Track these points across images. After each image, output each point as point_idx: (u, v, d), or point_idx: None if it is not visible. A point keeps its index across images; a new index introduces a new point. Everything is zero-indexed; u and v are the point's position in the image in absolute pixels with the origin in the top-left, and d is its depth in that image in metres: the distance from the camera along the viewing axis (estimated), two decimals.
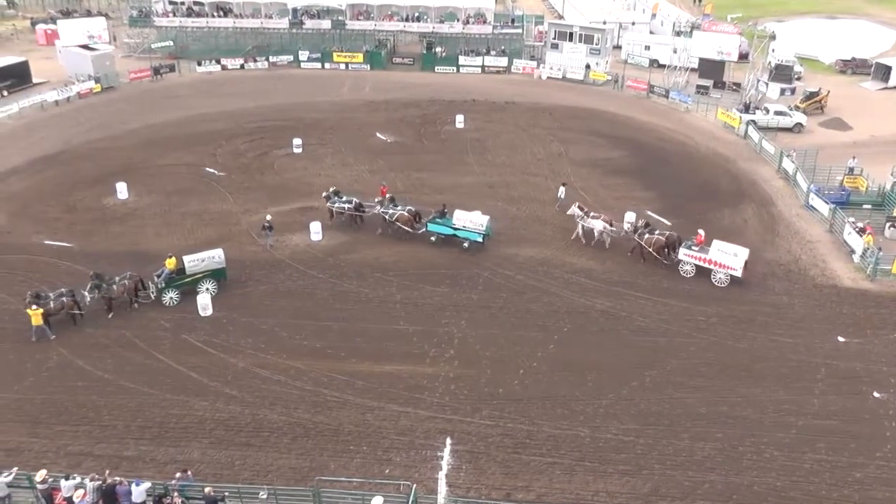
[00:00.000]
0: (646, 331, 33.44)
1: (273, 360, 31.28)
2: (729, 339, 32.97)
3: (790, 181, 48.87)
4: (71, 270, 37.48)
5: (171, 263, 35.21)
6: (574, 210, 41.21)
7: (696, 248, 38.11)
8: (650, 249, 38.86)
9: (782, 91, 66.47)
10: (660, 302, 35.51)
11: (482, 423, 27.93)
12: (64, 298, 32.86)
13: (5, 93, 64.10)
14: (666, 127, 59.71)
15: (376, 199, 42.11)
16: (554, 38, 74.62)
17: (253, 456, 26.45)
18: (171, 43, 77.80)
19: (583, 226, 40.98)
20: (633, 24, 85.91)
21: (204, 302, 34.33)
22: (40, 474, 23.39)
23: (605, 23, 79.65)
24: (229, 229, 41.79)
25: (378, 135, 56.54)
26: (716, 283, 37.30)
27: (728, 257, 37.05)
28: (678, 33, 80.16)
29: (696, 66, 69.66)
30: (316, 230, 40.71)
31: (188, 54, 76.86)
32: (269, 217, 40.57)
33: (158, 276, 34.99)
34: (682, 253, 38.25)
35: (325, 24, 77.89)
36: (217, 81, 70.80)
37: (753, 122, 57.55)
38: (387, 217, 41.20)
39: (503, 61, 75.04)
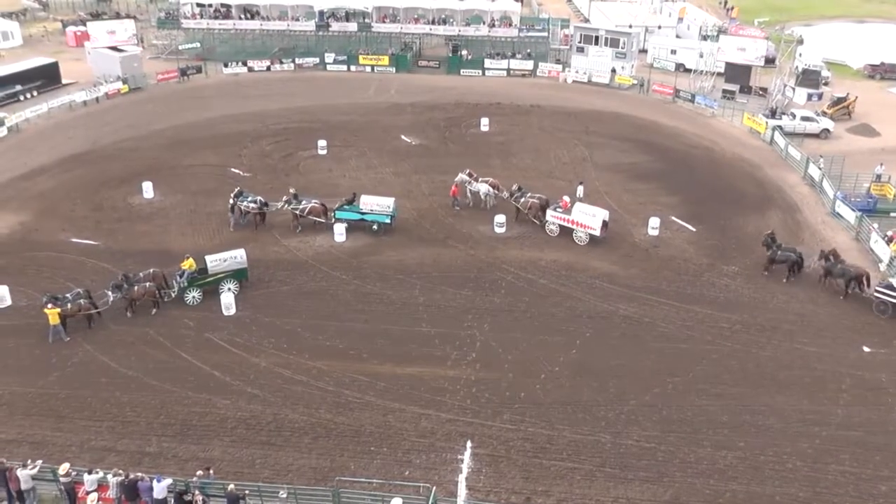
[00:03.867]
0: (669, 337, 33.25)
1: (295, 360, 31.42)
2: (753, 346, 32.69)
3: (816, 188, 48.35)
4: (97, 268, 37.89)
5: (188, 264, 35.49)
6: (462, 176, 45.06)
7: (561, 211, 41.57)
8: (525, 211, 42.56)
9: (809, 96, 65.81)
10: (683, 308, 35.28)
11: (503, 426, 27.90)
12: (81, 301, 33.08)
13: (35, 93, 64.91)
14: (691, 132, 59.33)
15: (284, 198, 42.48)
16: (579, 42, 74.38)
17: (273, 455, 26.59)
18: (198, 45, 78.42)
19: (470, 190, 44.73)
20: (660, 27, 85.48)
21: (227, 301, 34.57)
22: (63, 468, 23.70)
23: (631, 26, 79.30)
24: (253, 229, 42.02)
25: (403, 137, 56.65)
26: (576, 241, 40.80)
27: (588, 217, 40.59)
28: (705, 37, 79.68)
29: (722, 70, 69.20)
30: (339, 231, 40.87)
31: (215, 56, 77.44)
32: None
33: (181, 277, 35.30)
34: (549, 214, 41.89)
35: (352, 26, 78.22)
36: (243, 83, 71.22)
37: (780, 127, 57.05)
38: (298, 212, 41.85)
39: (528, 65, 74.92)
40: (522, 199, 42.88)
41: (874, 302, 35.39)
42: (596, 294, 36.36)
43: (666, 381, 30.31)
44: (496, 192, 44.55)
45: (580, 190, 45.15)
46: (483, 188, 44.58)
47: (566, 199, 42.47)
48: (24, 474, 23.74)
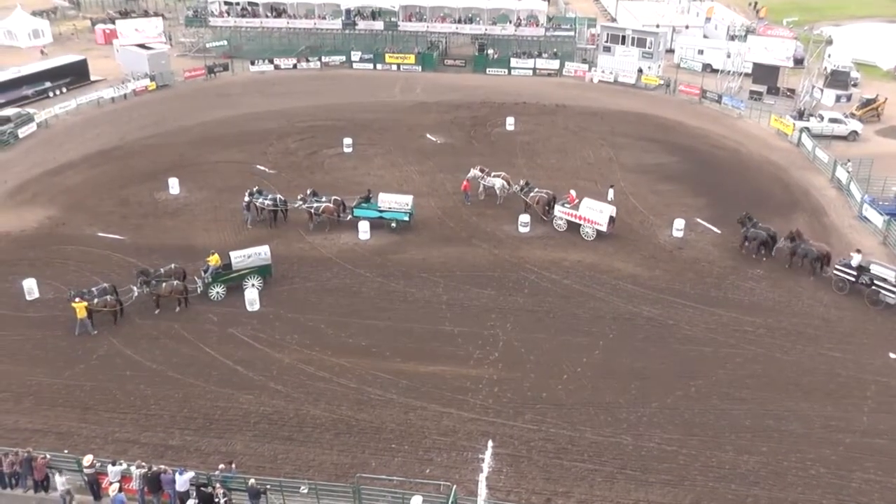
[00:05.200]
0: (692, 340, 33.05)
1: (318, 356, 31.60)
2: (777, 351, 32.41)
3: (843, 191, 47.83)
4: (122, 263, 38.35)
5: (214, 260, 35.77)
6: (475, 172, 45.68)
7: (569, 206, 41.89)
8: (534, 205, 42.97)
9: (838, 98, 65.08)
10: (707, 311, 35.05)
11: (524, 426, 27.89)
12: (107, 297, 33.44)
13: (64, 89, 65.85)
14: (718, 133, 58.88)
15: (299, 197, 42.51)
16: (606, 42, 74.06)
17: (295, 450, 26.77)
18: (226, 43, 79.07)
19: (484, 185, 45.46)
20: (687, 27, 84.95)
21: (251, 297, 34.82)
22: (87, 459, 24.03)
23: (658, 26, 78.91)
24: (278, 226, 42.28)
25: (428, 136, 56.75)
26: (583, 237, 41.14)
27: (595, 213, 40.98)
28: (732, 37, 79.06)
29: (750, 70, 68.64)
30: (364, 229, 41.01)
31: (242, 54, 77.96)
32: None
33: (205, 272, 35.58)
34: (557, 210, 42.31)
35: (378, 25, 78.41)
36: (269, 81, 71.68)
37: (807, 129, 56.44)
38: (312, 210, 41.94)
39: (555, 64, 74.73)
40: (531, 194, 43.24)
41: (833, 279, 36.99)
42: (620, 295, 36.23)
43: (688, 385, 30.14)
44: (508, 187, 45.02)
45: (611, 193, 44.84)
46: (498, 183, 45.17)
47: (573, 193, 42.72)
48: (60, 481, 24.06)
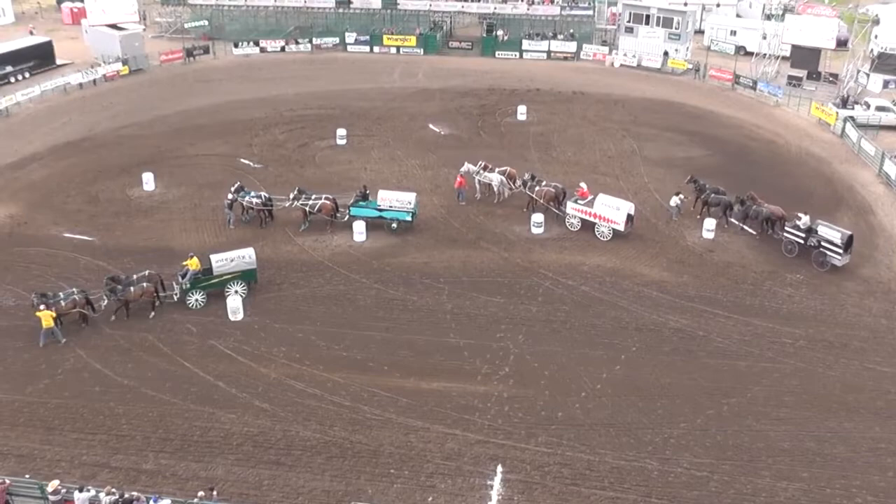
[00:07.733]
0: (725, 353, 32.97)
1: (308, 371, 31.55)
2: (819, 365, 32.31)
3: (892, 187, 47.82)
4: (90, 266, 38.37)
5: (193, 264, 35.67)
6: (468, 166, 45.50)
7: (582, 202, 42.15)
8: (541, 200, 43.01)
9: (886, 83, 64.95)
10: (741, 321, 34.98)
11: (538, 450, 27.81)
12: (76, 297, 33.47)
13: (27, 74, 66.00)
14: (753, 123, 58.93)
15: (291, 195, 42.37)
16: (629, 22, 74.23)
17: (283, 476, 26.67)
18: (206, 23, 79.19)
19: (479, 181, 45.34)
20: (718, 5, 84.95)
21: (234, 305, 34.77)
22: (52, 485, 23.97)
23: (686, 4, 78.88)
24: (258, 227, 42.24)
25: (431, 126, 56.82)
26: (598, 237, 41.21)
27: (611, 211, 41.03)
28: (768, 17, 78.98)
29: (787, 53, 68.55)
30: (360, 230, 40.96)
31: (224, 35, 78.16)
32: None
33: (183, 277, 35.53)
34: (569, 207, 42.36)
35: (375, 3, 78.60)
36: (255, 65, 71.85)
37: (852, 118, 56.40)
38: (308, 209, 41.83)
39: (571, 46, 74.83)
40: (538, 189, 43.21)
41: (783, 242, 40.17)
42: (644, 304, 36.18)
43: (721, 403, 30.06)
44: (512, 182, 44.81)
45: (675, 200, 43.56)
46: (496, 178, 44.91)
47: (583, 186, 42.94)
48: None
